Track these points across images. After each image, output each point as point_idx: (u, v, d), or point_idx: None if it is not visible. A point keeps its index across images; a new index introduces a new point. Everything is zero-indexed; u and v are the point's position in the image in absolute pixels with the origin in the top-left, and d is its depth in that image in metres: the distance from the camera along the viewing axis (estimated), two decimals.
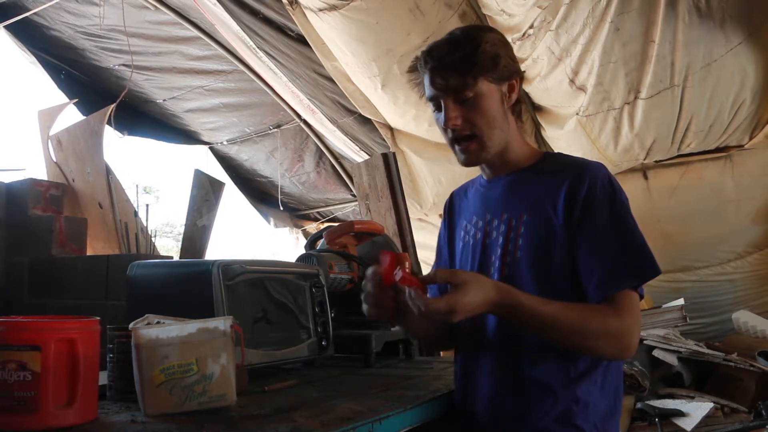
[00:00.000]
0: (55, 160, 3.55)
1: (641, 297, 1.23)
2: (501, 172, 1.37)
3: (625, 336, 1.18)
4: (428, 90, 1.30)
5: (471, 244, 1.38)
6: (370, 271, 1.23)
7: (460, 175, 4.53)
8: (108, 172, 3.26)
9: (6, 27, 4.58)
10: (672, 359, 3.44)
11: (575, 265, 1.22)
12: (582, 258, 1.21)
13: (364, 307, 1.25)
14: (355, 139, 5.14)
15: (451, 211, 1.53)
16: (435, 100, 1.30)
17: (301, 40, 4.19)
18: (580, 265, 1.21)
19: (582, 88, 3.72)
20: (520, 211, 1.29)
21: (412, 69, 1.35)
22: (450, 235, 1.51)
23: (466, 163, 1.33)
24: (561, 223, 1.23)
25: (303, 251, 2.10)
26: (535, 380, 1.23)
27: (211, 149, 6.28)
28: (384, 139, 4.83)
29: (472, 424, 1.32)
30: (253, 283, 1.57)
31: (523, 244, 1.27)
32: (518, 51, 3.69)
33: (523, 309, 1.17)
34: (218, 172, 6.13)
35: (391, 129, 4.73)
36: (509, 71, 1.30)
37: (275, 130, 5.87)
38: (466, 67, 1.25)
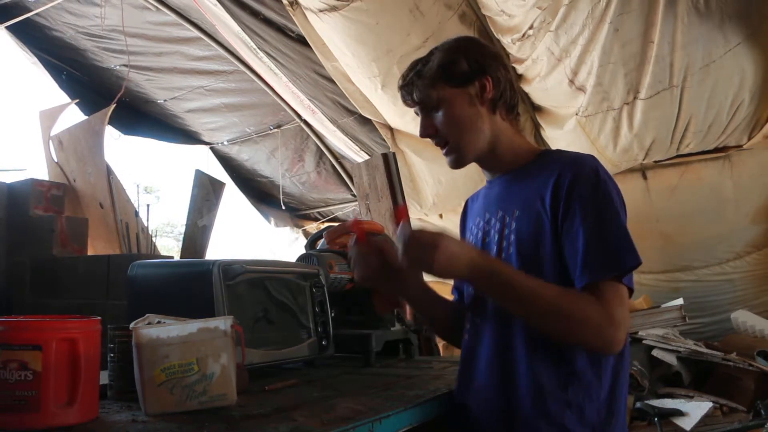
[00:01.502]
0: (56, 160, 3.56)
1: (631, 291, 1.21)
2: (499, 171, 1.39)
3: (608, 327, 1.15)
4: None
5: (473, 244, 1.40)
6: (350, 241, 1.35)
7: (459, 175, 4.54)
8: (109, 172, 3.27)
9: (7, 27, 4.59)
10: (671, 359, 3.45)
11: (563, 253, 1.22)
12: (566, 248, 1.22)
13: (355, 274, 1.36)
14: (355, 139, 5.14)
15: (464, 217, 1.55)
16: (417, 113, 1.39)
17: (301, 40, 4.20)
18: (566, 255, 1.22)
19: (581, 89, 3.72)
20: (513, 209, 1.31)
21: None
22: (463, 236, 1.52)
23: (452, 166, 1.38)
24: (548, 215, 1.24)
25: (303, 251, 2.10)
26: (526, 379, 1.23)
27: (212, 149, 6.28)
28: (384, 139, 4.83)
29: (468, 419, 1.32)
30: (254, 283, 1.58)
31: (514, 240, 1.28)
32: (518, 51, 3.70)
33: (501, 276, 1.18)
34: (219, 172, 6.15)
35: (391, 129, 4.74)
36: (473, 71, 1.32)
37: (276, 130, 5.88)
38: (419, 81, 1.33)
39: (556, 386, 1.21)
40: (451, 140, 1.33)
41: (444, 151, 1.36)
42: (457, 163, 1.36)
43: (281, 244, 6.90)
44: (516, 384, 1.24)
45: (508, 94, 1.35)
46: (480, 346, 1.33)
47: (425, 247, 1.16)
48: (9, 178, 2.79)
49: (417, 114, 1.39)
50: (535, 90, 4.03)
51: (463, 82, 1.32)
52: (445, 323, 1.51)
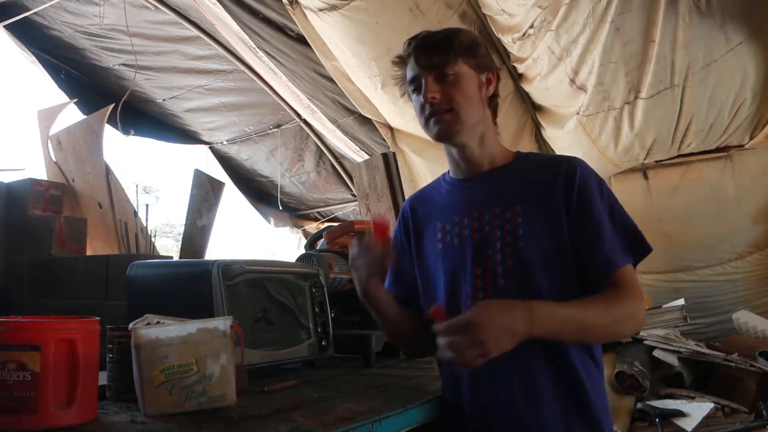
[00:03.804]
0: (54, 160, 3.55)
1: None
2: (479, 170, 1.40)
3: (641, 313, 1.28)
4: (410, 72, 1.37)
5: (457, 243, 1.37)
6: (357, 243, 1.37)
7: None
8: (108, 171, 3.27)
9: (6, 27, 4.58)
10: (672, 359, 3.44)
11: (576, 246, 1.29)
12: (583, 239, 1.28)
13: (355, 270, 1.39)
14: (355, 139, 5.14)
15: (414, 217, 1.50)
16: (416, 81, 1.36)
17: (301, 39, 4.19)
18: (581, 246, 1.28)
19: (582, 88, 3.71)
20: (513, 204, 1.32)
21: (398, 62, 1.42)
22: (416, 240, 1.47)
23: (440, 134, 1.35)
24: (560, 206, 1.29)
25: (303, 251, 2.10)
26: (564, 379, 1.26)
27: (211, 149, 6.28)
28: (384, 139, 4.82)
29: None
30: (253, 283, 1.57)
31: (524, 234, 1.29)
32: (518, 51, 3.69)
33: (555, 317, 1.20)
34: (218, 172, 6.14)
35: (391, 129, 4.73)
36: (487, 62, 1.39)
37: (275, 129, 5.87)
38: (447, 45, 1.34)
39: (588, 374, 1.29)
40: (456, 110, 1.33)
41: (438, 117, 1.33)
42: (449, 132, 1.35)
43: (281, 244, 6.90)
44: (555, 389, 1.27)
45: (497, 100, 1.43)
46: (498, 364, 1.26)
47: (468, 329, 1.11)
48: (7, 178, 2.79)
49: (410, 82, 1.37)
50: (535, 89, 4.02)
51: (479, 67, 1.37)
52: (405, 333, 1.46)
